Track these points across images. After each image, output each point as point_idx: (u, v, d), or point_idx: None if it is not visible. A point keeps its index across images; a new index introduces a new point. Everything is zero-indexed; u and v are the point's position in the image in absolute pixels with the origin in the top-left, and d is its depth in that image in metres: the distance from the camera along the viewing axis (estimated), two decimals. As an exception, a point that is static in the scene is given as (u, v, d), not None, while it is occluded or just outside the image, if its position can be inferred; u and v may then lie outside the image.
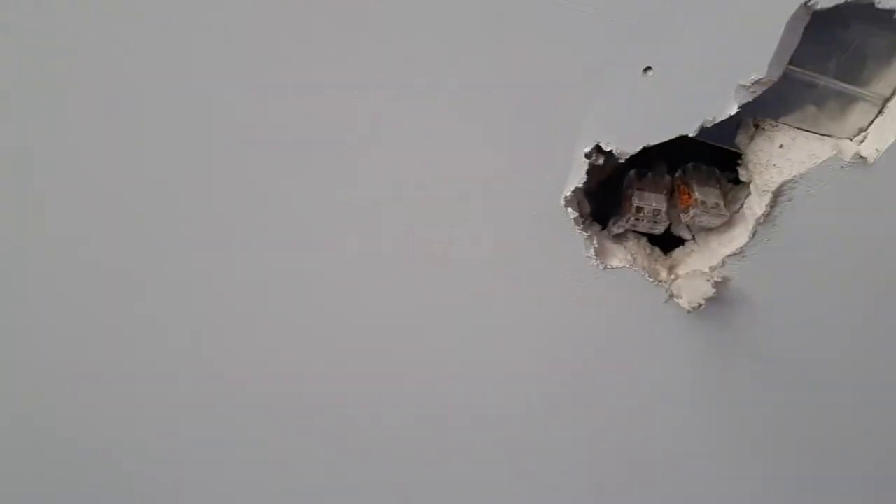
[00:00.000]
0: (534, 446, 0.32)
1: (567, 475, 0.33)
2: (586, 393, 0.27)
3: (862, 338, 0.23)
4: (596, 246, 0.22)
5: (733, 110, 0.18)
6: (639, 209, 0.21)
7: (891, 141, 0.19)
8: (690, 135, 0.19)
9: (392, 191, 0.23)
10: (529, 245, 0.23)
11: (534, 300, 0.24)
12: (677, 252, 0.23)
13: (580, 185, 0.21)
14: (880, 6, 0.17)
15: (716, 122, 0.19)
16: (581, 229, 0.22)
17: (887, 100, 0.20)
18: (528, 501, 0.36)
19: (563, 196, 0.21)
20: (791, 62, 0.19)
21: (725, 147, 0.21)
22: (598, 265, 0.22)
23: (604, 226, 0.23)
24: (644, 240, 0.23)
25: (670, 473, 0.31)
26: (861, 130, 0.20)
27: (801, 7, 0.17)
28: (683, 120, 0.19)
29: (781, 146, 0.20)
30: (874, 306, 0.22)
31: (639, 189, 0.22)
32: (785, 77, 0.19)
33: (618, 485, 0.33)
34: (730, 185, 0.22)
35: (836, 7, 0.18)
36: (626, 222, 0.22)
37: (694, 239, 0.23)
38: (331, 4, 0.20)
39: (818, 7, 0.17)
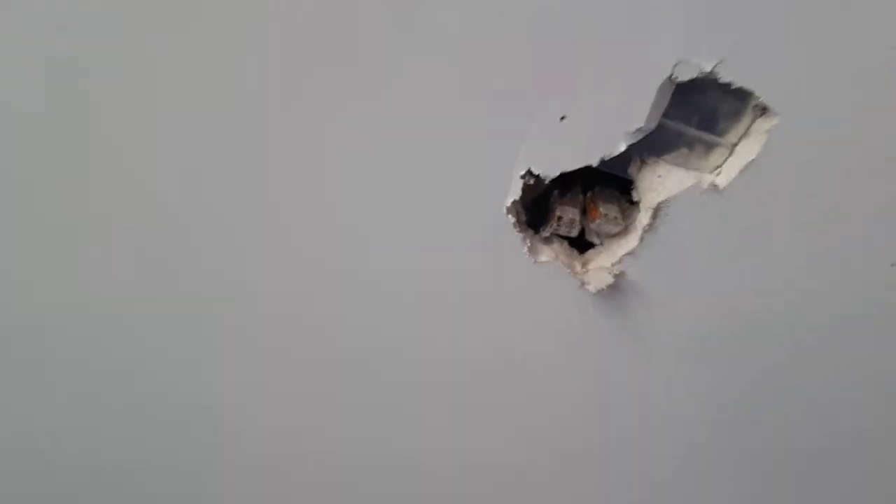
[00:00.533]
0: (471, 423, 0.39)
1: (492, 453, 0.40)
2: (517, 362, 0.34)
3: (727, 318, 0.31)
4: (529, 245, 0.29)
5: (622, 149, 0.26)
6: (559, 218, 0.29)
7: (735, 174, 0.27)
8: (594, 165, 0.27)
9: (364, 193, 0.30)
10: (480, 244, 0.30)
11: (483, 287, 0.32)
12: (589, 252, 0.30)
13: (517, 199, 0.28)
14: (721, 81, 0.25)
15: (612, 156, 0.26)
16: (518, 231, 0.29)
17: (735, 145, 0.28)
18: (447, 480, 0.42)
19: (505, 206, 0.28)
20: (665, 115, 0.27)
21: (620, 175, 0.28)
22: (530, 260, 0.30)
23: (536, 231, 0.30)
24: (565, 243, 0.31)
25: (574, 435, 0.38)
26: (717, 167, 0.28)
27: (666, 80, 0.25)
28: (588, 154, 0.26)
29: (659, 176, 0.27)
30: (730, 293, 0.30)
31: (560, 204, 0.29)
32: (661, 126, 0.27)
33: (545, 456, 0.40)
34: (627, 203, 0.29)
35: (693, 80, 0.25)
36: (551, 228, 0.29)
37: (601, 242, 0.30)
38: None
39: (679, 80, 0.25)
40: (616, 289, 0.29)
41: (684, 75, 0.25)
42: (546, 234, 0.29)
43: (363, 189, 0.30)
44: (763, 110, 0.26)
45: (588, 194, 0.29)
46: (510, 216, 0.28)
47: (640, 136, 0.26)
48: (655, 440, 0.37)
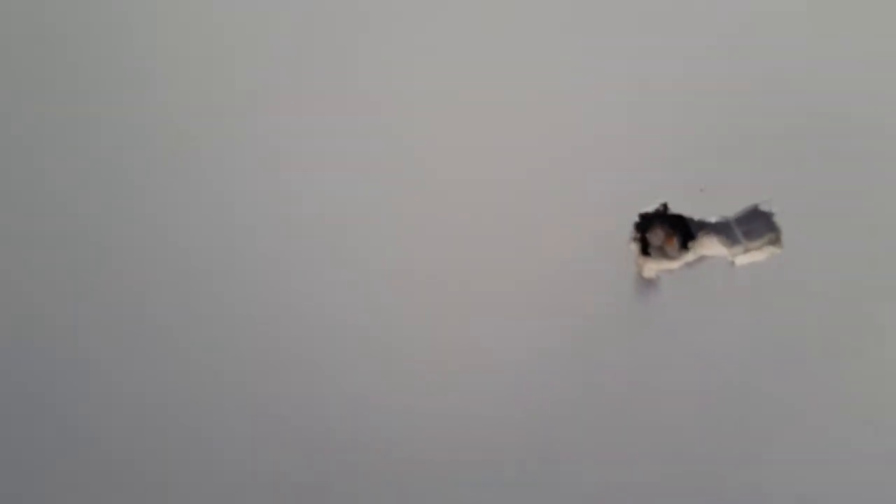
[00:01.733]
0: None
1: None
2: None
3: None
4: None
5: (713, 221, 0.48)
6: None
7: (745, 262, 0.50)
8: (710, 221, 0.48)
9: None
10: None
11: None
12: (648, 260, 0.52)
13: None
14: (768, 213, 0.48)
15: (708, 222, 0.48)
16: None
17: (751, 251, 0.51)
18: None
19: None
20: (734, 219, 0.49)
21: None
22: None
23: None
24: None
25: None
26: (738, 254, 0.51)
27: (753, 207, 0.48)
28: (706, 215, 0.48)
29: (710, 242, 0.50)
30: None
31: (652, 230, 0.51)
32: (727, 224, 0.49)
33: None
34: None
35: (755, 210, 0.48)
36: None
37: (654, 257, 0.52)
38: None
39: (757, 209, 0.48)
40: (656, 283, 0.51)
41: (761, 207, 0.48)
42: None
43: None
44: (775, 241, 0.49)
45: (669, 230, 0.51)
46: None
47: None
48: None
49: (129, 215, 0.53)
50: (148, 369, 0.56)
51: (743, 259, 0.49)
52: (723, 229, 0.50)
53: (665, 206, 0.48)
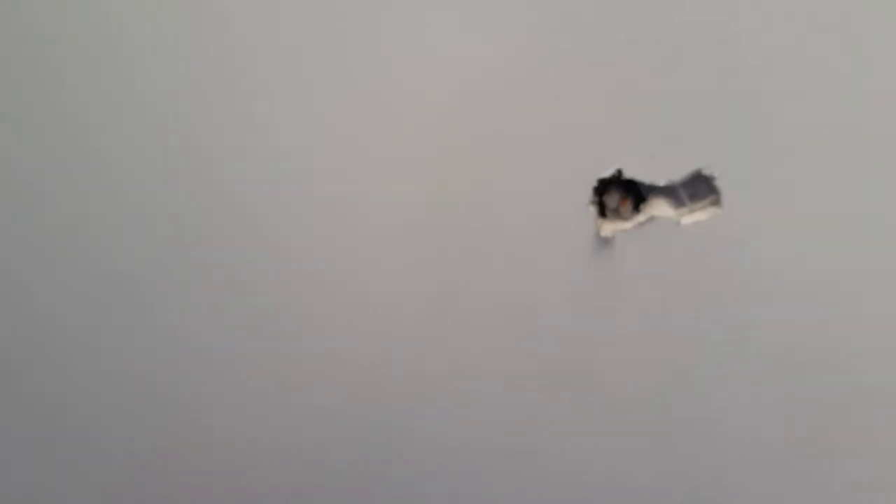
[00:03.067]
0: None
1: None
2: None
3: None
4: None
5: (662, 184, 0.54)
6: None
7: (690, 222, 0.56)
8: (659, 184, 0.54)
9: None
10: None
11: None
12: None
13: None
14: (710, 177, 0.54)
15: (659, 185, 0.54)
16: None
17: (696, 211, 0.57)
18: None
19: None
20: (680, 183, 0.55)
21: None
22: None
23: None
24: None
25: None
26: (685, 216, 0.57)
27: (697, 171, 0.53)
28: (656, 179, 0.54)
29: (662, 204, 0.56)
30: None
31: (608, 193, 0.56)
32: (675, 187, 0.55)
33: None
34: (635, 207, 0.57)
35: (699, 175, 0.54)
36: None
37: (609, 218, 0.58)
38: None
39: (698, 174, 0.54)
40: (612, 242, 0.57)
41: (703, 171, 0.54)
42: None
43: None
44: (716, 202, 0.55)
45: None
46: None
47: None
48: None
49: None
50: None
51: (688, 219, 0.55)
52: (670, 192, 0.55)
53: (620, 171, 0.54)
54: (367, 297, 0.60)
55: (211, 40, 0.53)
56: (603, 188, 0.56)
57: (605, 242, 0.56)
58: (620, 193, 0.56)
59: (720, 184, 0.53)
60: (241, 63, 0.54)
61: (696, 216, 0.55)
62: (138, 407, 0.63)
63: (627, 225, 0.56)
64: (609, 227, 0.56)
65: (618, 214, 0.56)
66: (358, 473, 0.65)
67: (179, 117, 0.55)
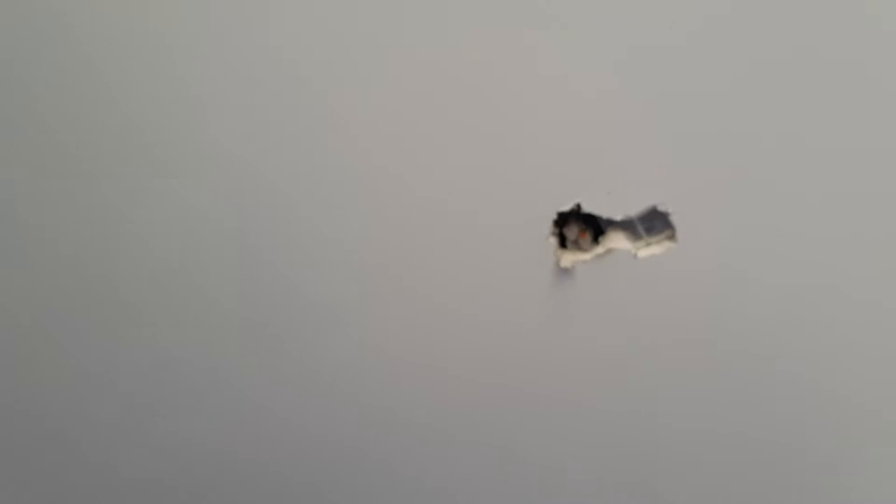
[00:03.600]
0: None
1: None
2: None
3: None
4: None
5: (619, 218, 0.56)
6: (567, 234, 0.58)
7: (646, 256, 0.58)
8: (616, 218, 0.56)
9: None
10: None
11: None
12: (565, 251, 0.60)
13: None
14: (665, 213, 0.56)
15: (616, 219, 0.56)
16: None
17: (652, 245, 0.59)
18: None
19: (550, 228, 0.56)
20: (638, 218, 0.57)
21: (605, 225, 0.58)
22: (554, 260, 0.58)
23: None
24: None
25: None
26: (641, 248, 0.59)
27: (652, 207, 0.55)
28: (614, 214, 0.56)
29: (620, 237, 0.58)
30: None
31: (567, 226, 0.58)
32: (633, 221, 0.57)
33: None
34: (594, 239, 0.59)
35: (654, 210, 0.56)
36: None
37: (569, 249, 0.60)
38: None
39: (655, 209, 0.56)
40: (572, 272, 0.59)
41: (659, 207, 0.56)
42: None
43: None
44: (671, 237, 0.57)
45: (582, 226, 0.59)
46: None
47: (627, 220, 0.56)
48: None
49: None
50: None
51: (644, 252, 0.57)
52: (628, 226, 0.57)
53: (579, 205, 0.55)
54: (327, 324, 0.61)
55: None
56: (563, 221, 0.57)
57: (565, 273, 0.58)
58: (580, 226, 0.57)
59: (675, 219, 0.55)
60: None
61: (652, 249, 0.57)
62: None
63: (587, 256, 0.58)
64: (569, 258, 0.58)
65: (577, 246, 0.58)
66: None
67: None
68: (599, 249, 0.58)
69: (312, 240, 0.58)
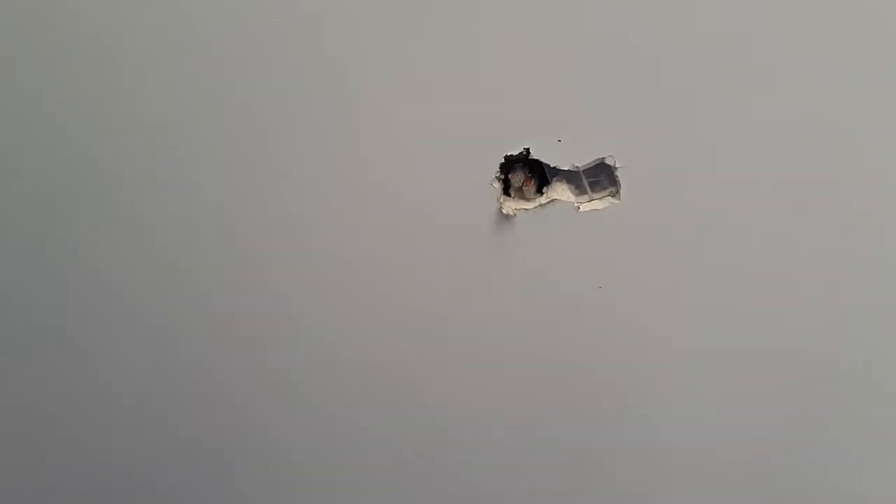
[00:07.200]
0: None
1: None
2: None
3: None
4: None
5: (568, 167, 0.55)
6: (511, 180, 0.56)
7: (588, 209, 0.58)
8: (562, 168, 0.55)
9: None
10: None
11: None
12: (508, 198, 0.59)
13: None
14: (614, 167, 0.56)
15: (564, 169, 0.55)
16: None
17: (595, 199, 0.58)
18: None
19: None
20: (586, 172, 0.56)
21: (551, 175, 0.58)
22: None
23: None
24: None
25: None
26: (584, 203, 0.58)
27: (599, 160, 0.55)
28: (562, 163, 0.55)
29: (563, 189, 0.57)
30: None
31: (513, 172, 0.57)
32: (581, 174, 0.56)
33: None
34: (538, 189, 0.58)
35: (602, 163, 0.55)
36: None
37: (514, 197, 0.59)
38: None
39: (601, 163, 0.55)
40: (513, 220, 0.58)
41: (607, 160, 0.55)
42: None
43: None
44: (615, 195, 0.57)
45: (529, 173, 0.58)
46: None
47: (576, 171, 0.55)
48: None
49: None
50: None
51: (587, 206, 0.57)
52: (573, 179, 0.57)
53: (528, 150, 0.54)
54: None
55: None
56: (509, 167, 0.56)
57: (506, 219, 0.57)
58: (525, 173, 0.56)
59: (620, 175, 0.55)
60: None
61: (594, 204, 0.57)
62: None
63: (529, 205, 0.57)
64: (511, 205, 0.57)
65: (521, 194, 0.57)
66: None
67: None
68: (542, 199, 0.57)
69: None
